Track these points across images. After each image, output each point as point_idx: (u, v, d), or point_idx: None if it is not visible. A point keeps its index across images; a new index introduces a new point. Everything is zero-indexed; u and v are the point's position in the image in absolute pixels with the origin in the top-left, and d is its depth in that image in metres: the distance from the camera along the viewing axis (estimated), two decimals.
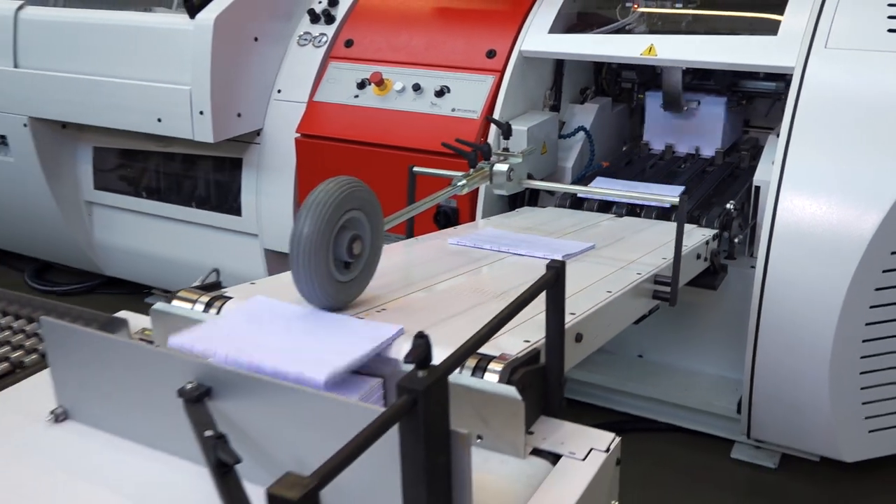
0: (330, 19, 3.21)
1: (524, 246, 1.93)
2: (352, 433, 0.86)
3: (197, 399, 1.09)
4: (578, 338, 1.45)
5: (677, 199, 2.09)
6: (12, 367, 1.47)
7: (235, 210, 3.28)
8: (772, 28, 2.55)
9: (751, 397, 2.41)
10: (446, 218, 2.76)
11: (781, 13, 2.56)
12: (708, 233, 2.42)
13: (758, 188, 2.50)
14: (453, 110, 2.82)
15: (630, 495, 1.29)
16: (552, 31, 2.87)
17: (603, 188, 2.68)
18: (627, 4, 3.09)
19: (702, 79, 3.06)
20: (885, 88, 2.29)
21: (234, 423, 1.08)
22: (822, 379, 2.27)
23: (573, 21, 3.06)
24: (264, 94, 3.16)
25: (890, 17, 2.38)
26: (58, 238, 3.70)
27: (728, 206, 2.53)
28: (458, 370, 1.17)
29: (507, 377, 1.17)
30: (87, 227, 3.69)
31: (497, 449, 1.17)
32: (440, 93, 2.85)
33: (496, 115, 2.75)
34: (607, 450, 1.18)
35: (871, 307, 2.23)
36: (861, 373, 2.30)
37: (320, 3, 3.25)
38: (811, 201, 2.26)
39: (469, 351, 1.04)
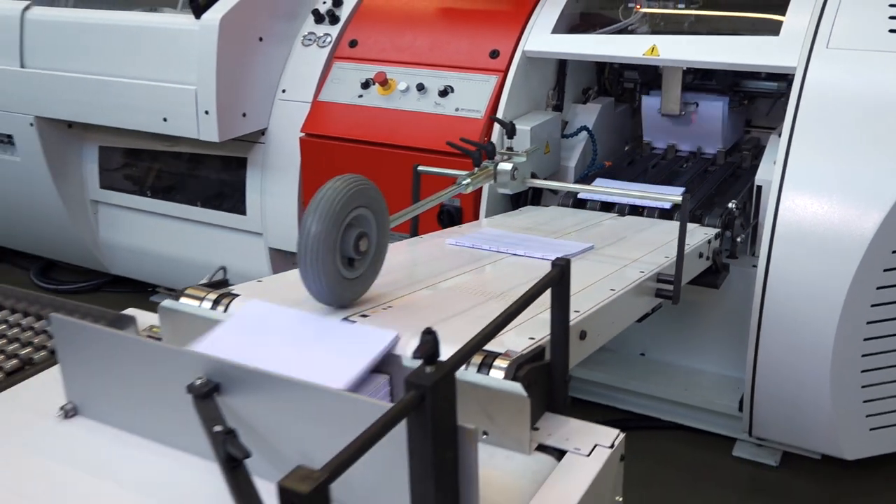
0: (334, 19, 3.22)
1: (523, 246, 1.94)
2: (359, 429, 0.86)
3: (206, 395, 1.10)
4: (583, 335, 1.47)
5: (680, 199, 2.10)
6: (22, 364, 1.48)
7: (240, 209, 3.29)
8: (774, 28, 2.56)
9: (752, 395, 2.42)
10: (450, 217, 2.77)
11: (783, 13, 2.57)
12: (710, 232, 2.43)
13: (759, 187, 2.51)
14: (457, 110, 2.83)
15: (632, 493, 1.30)
16: (555, 31, 2.88)
17: (607, 188, 2.69)
18: (630, 5, 3.10)
19: (703, 79, 3.07)
20: (886, 88, 2.30)
21: (242, 418, 1.09)
22: (823, 377, 2.28)
23: (576, 21, 3.07)
24: (269, 94, 3.18)
25: (891, 18, 2.39)
26: (64, 237, 3.71)
27: (730, 205, 2.54)
28: (463, 367, 1.18)
29: (512, 374, 1.18)
30: (93, 226, 3.70)
31: (502, 445, 1.18)
32: (444, 92, 2.87)
33: (499, 115, 2.77)
34: (612, 446, 1.19)
35: (873, 306, 2.25)
36: (862, 371, 2.31)
37: (325, 3, 3.27)
38: (813, 200, 2.27)
39: (475, 347, 1.05)
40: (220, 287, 1.50)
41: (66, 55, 3.29)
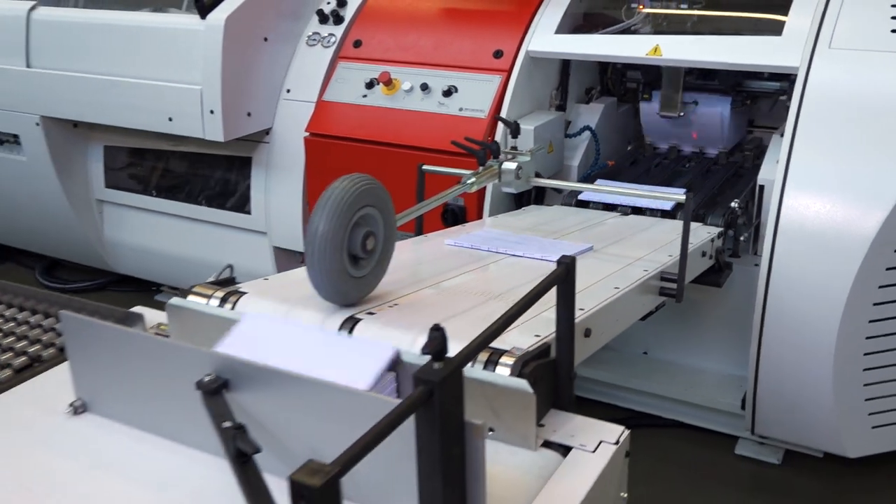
0: (338, 20, 3.23)
1: (521, 247, 1.95)
2: (367, 425, 0.87)
3: (215, 391, 1.11)
4: (587, 333, 1.48)
5: (683, 198, 2.11)
6: (31, 361, 1.49)
7: (245, 208, 3.30)
8: (776, 28, 2.57)
9: (755, 394, 2.43)
10: (454, 216, 2.78)
11: (786, 14, 2.58)
12: (713, 231, 2.43)
13: (762, 187, 2.52)
14: (461, 110, 2.84)
15: (635, 491, 1.30)
16: (558, 31, 2.89)
17: (611, 188, 2.69)
18: (633, 5, 3.11)
19: (706, 79, 3.07)
20: (888, 88, 2.30)
21: (250, 414, 1.10)
22: (825, 375, 2.29)
23: (579, 21, 3.08)
24: (274, 94, 3.19)
25: (893, 18, 2.40)
26: (69, 236, 3.72)
27: (733, 204, 2.55)
28: (469, 364, 1.19)
29: (518, 370, 1.19)
30: (98, 225, 3.72)
31: (508, 441, 1.19)
32: (448, 92, 2.88)
33: (503, 115, 2.78)
34: (617, 442, 1.20)
35: (875, 304, 2.25)
36: (864, 369, 2.32)
37: (329, 3, 3.27)
38: (815, 200, 2.28)
39: (483, 344, 1.06)
40: (228, 285, 1.51)
41: (71, 55, 3.30)
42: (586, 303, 1.53)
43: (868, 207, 2.21)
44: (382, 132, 2.92)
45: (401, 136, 2.88)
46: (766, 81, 3.00)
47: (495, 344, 1.17)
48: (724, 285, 2.51)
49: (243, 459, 1.01)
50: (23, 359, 1.49)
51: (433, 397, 0.91)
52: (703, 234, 2.38)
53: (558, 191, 2.81)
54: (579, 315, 1.43)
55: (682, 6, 3.09)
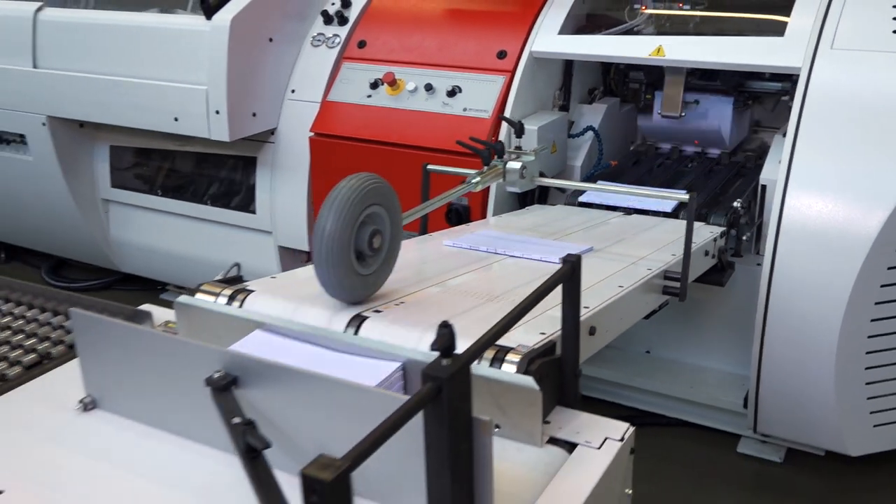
0: (343, 20, 3.24)
1: (521, 248, 1.95)
2: (376, 421, 0.88)
3: (224, 388, 1.12)
4: (592, 331, 1.49)
5: (686, 198, 2.13)
6: (40, 358, 1.51)
7: (250, 208, 3.32)
8: (778, 29, 2.58)
9: (757, 392, 2.44)
10: (458, 215, 2.79)
11: (788, 14, 2.59)
12: (716, 230, 2.44)
13: (764, 187, 2.53)
14: (465, 110, 2.85)
15: (638, 489, 1.31)
16: (562, 32, 2.90)
17: (615, 187, 2.70)
18: (636, 6, 3.12)
19: (708, 79, 3.08)
20: (891, 88, 2.31)
21: (259, 411, 1.11)
22: (827, 374, 2.30)
23: (582, 22, 3.09)
24: (279, 94, 3.20)
25: (895, 19, 2.41)
26: (75, 235, 3.74)
27: (735, 204, 2.55)
28: (476, 361, 1.20)
29: (524, 368, 1.21)
30: (104, 225, 3.73)
31: (515, 438, 1.20)
32: (452, 93, 2.89)
33: (507, 115, 2.79)
34: (622, 439, 1.21)
35: (877, 303, 2.26)
36: (866, 368, 2.33)
37: (333, 4, 3.29)
38: (817, 200, 2.29)
39: (490, 341, 1.07)
40: (235, 283, 1.52)
41: (77, 56, 3.32)
42: (591, 301, 1.54)
43: (870, 207, 2.22)
44: (387, 132, 2.93)
45: (405, 136, 2.90)
46: (769, 82, 3.00)
47: (501, 341, 1.18)
48: (727, 284, 2.52)
49: (253, 455, 1.02)
50: (32, 356, 1.51)
51: (442, 393, 0.92)
52: (706, 233, 2.39)
53: (562, 190, 2.82)
54: (584, 313, 1.44)
55: (685, 7, 3.10)
